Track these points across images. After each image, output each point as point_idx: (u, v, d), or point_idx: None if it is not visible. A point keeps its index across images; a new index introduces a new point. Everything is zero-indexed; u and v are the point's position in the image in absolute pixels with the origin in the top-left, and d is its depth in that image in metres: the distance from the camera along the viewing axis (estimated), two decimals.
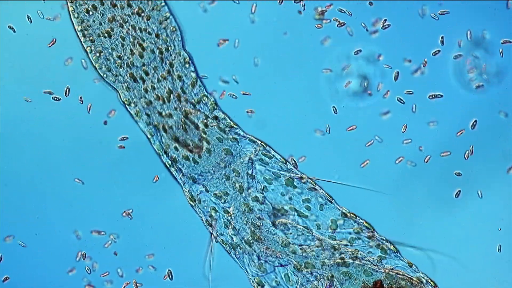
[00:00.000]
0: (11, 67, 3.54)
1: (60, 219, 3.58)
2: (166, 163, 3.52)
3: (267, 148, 3.54)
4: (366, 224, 3.48)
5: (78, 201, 3.59)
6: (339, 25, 3.56)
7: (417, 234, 3.52)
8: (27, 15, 3.51)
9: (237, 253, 3.48)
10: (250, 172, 3.45)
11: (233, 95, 3.56)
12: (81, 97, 3.54)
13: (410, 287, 3.38)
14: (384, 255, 3.43)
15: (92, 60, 3.48)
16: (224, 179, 3.48)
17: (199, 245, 3.56)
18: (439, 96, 3.56)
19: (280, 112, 3.59)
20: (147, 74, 3.47)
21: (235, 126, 3.53)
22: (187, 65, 3.49)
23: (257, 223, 3.42)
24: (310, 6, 3.56)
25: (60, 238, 3.58)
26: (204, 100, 3.51)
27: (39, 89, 3.54)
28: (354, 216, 3.48)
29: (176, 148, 3.47)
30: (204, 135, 3.48)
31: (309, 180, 3.51)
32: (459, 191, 3.53)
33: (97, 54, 3.45)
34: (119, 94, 3.49)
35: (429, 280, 3.43)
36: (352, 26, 3.56)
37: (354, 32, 3.56)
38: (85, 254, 3.58)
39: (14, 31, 3.51)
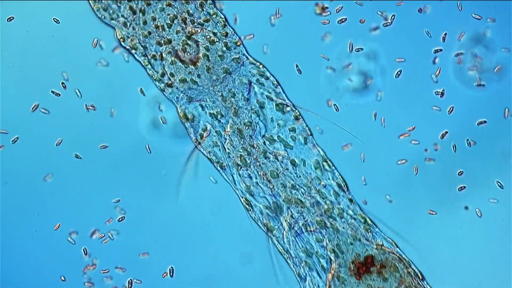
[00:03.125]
0: (11, 67, 3.58)
1: (60, 218, 3.62)
2: (161, 87, 3.46)
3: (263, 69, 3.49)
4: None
5: (78, 200, 3.62)
6: (340, 22, 3.55)
7: (417, 234, 3.52)
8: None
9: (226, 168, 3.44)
10: (246, 95, 3.37)
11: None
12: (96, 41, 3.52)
13: (402, 270, 3.34)
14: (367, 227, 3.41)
15: (91, 4, 3.44)
16: (220, 99, 3.42)
17: (199, 245, 3.60)
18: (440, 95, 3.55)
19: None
20: (148, 5, 3.40)
21: (241, 45, 3.47)
22: None
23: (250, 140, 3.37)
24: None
25: (60, 236, 3.62)
26: (213, 18, 3.43)
27: (39, 88, 3.58)
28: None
29: (172, 62, 3.39)
30: (207, 53, 3.41)
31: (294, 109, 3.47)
32: (464, 186, 3.52)
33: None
34: (116, 31, 3.45)
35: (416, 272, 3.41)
36: (352, 24, 3.55)
37: (354, 29, 3.55)
38: (86, 250, 3.61)
39: (13, 18, 3.52)
